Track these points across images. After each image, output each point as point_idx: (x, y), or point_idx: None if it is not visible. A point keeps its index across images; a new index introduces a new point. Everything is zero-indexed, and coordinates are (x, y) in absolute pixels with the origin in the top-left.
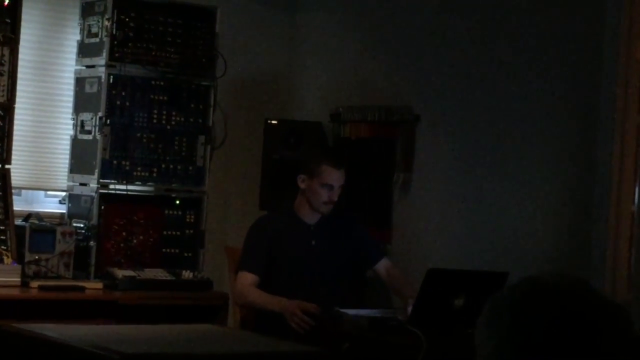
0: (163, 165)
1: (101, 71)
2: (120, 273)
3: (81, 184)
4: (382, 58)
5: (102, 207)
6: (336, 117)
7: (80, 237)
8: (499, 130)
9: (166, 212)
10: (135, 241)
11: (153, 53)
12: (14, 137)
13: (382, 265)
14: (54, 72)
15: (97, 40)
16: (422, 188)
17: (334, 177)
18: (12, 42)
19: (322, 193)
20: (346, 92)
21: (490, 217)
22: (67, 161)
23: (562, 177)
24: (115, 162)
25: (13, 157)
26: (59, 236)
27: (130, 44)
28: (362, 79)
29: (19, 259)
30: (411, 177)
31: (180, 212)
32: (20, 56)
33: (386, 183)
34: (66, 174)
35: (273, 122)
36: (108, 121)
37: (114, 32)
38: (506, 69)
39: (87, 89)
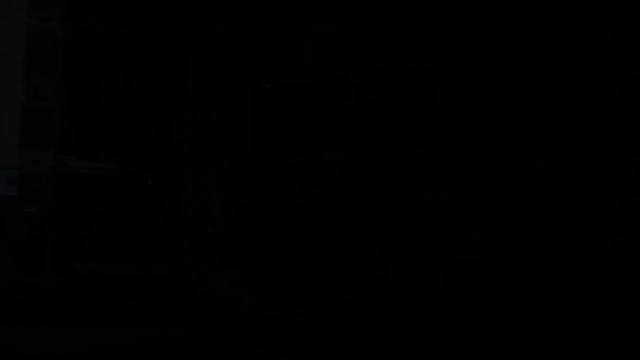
0: (132, 138)
1: (57, 25)
2: (81, 268)
3: (34, 161)
4: (392, 8)
5: (60, 189)
6: (341, 81)
7: (34, 225)
8: (541, 95)
9: (136, 194)
10: (99, 230)
11: (120, 2)
12: None
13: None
14: (0, 27)
15: None
16: (444, 168)
17: (326, 154)
18: None
19: (311, 172)
20: (352, 51)
21: (529, 203)
22: (17, 134)
23: (622, 156)
24: (75, 134)
25: None
26: (7, 224)
27: None
28: (369, 33)
29: None
30: (430, 155)
31: (153, 195)
32: None
33: (400, 162)
34: (16, 149)
35: (265, 86)
36: (66, 85)
37: None
38: (553, 16)
39: (41, 46)
